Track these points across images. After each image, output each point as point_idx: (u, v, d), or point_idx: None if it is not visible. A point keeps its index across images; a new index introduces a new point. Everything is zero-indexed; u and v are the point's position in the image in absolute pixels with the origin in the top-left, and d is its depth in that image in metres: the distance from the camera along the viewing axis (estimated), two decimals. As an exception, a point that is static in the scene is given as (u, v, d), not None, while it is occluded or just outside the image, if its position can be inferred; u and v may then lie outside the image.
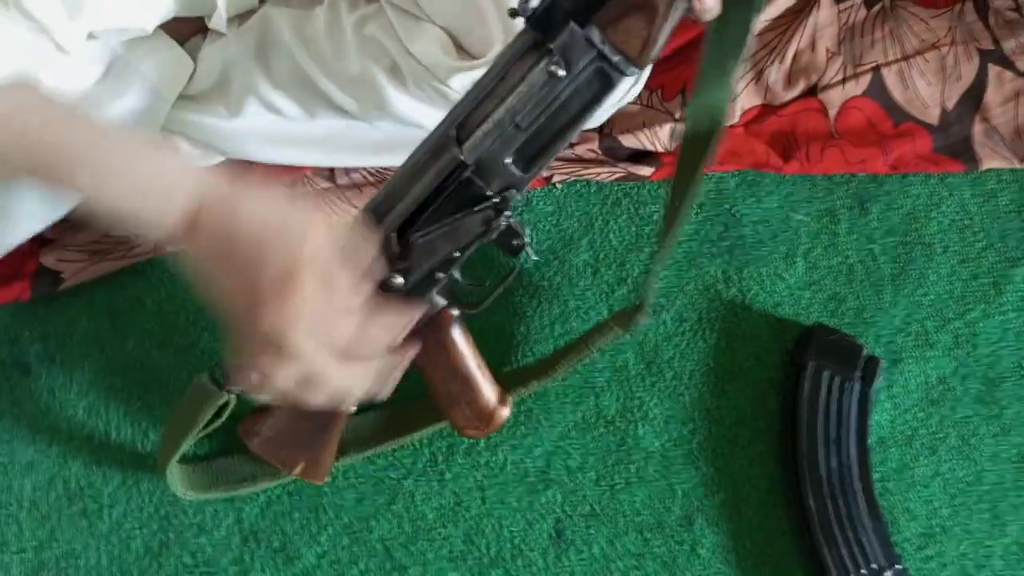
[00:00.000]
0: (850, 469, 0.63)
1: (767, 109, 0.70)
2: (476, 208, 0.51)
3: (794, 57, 0.69)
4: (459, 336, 0.59)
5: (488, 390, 0.60)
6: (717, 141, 0.55)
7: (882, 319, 0.67)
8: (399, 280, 0.53)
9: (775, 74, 0.69)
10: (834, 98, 0.69)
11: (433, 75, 0.60)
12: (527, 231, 0.54)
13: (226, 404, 0.59)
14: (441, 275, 0.54)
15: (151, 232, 0.45)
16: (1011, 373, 0.67)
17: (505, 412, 0.61)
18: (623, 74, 0.48)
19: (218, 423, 0.60)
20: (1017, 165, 0.69)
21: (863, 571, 0.62)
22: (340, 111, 0.64)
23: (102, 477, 0.65)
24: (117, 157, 0.45)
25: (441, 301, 0.57)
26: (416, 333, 0.56)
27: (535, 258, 0.58)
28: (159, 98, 0.61)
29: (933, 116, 0.69)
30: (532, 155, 0.50)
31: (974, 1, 0.71)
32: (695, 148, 0.56)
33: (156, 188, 0.44)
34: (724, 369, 0.66)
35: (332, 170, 0.69)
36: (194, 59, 0.63)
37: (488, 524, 0.65)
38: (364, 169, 0.69)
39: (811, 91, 0.69)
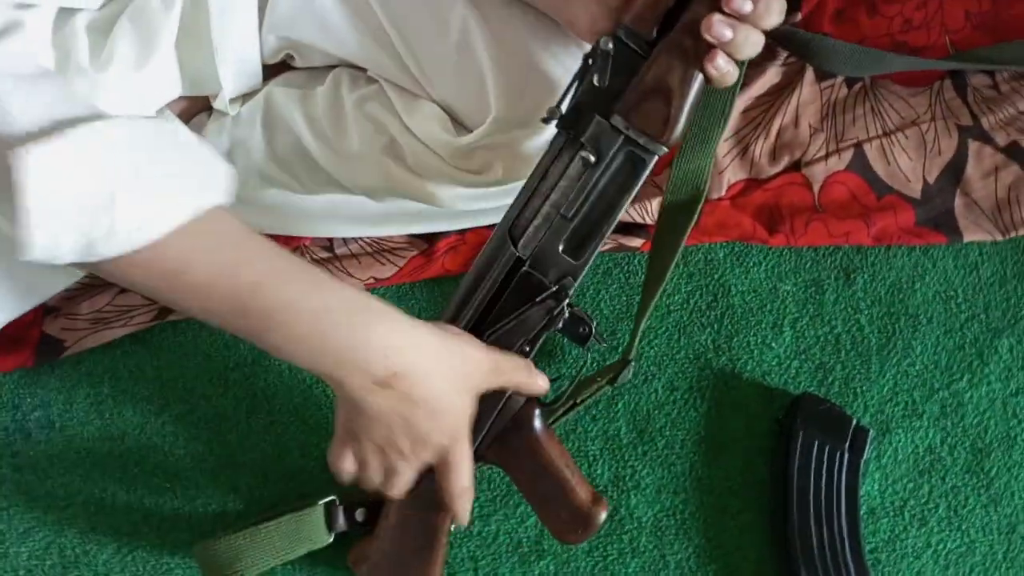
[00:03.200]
0: (841, 540, 0.63)
1: (752, 183, 0.72)
2: (538, 299, 0.55)
3: (778, 133, 0.72)
4: (544, 434, 0.58)
5: (581, 490, 0.58)
6: (699, 208, 0.58)
7: (870, 389, 0.68)
8: None
9: (760, 149, 0.72)
10: (817, 173, 0.71)
11: (430, 149, 0.63)
12: (594, 320, 0.57)
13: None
14: None
15: (347, 377, 0.47)
16: (999, 443, 0.67)
17: (602, 513, 0.57)
18: (652, 153, 0.52)
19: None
20: (998, 238, 0.71)
21: (856, 644, 0.62)
22: (338, 184, 0.66)
23: (97, 545, 0.66)
24: (339, 313, 0.46)
25: (520, 400, 0.58)
26: (500, 437, 0.56)
27: (604, 344, 0.59)
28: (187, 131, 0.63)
29: (915, 190, 0.71)
30: (580, 241, 0.55)
31: (952, 79, 0.74)
32: (678, 214, 0.59)
33: (372, 347, 0.47)
34: (714, 438, 0.67)
35: (331, 240, 0.70)
36: (200, 134, 0.65)
37: (480, 594, 0.65)
38: (363, 239, 0.70)
39: (795, 166, 0.72)
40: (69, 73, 0.56)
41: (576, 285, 0.56)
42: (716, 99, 0.57)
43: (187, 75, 0.63)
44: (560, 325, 0.57)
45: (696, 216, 0.58)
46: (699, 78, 0.50)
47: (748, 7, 0.47)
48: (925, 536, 0.66)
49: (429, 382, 0.49)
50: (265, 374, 0.68)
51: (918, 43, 0.74)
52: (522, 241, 0.55)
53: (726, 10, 0.47)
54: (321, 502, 0.62)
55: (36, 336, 0.68)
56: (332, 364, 0.46)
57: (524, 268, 0.55)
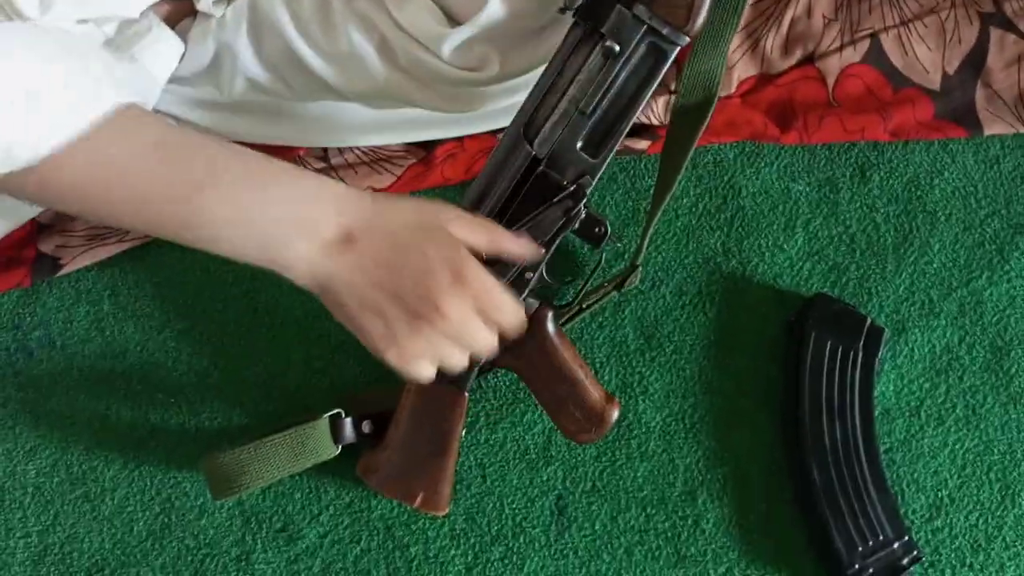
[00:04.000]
0: (855, 440, 0.62)
1: (764, 79, 0.69)
2: (555, 199, 0.54)
3: (790, 25, 0.68)
4: (557, 336, 0.58)
5: (594, 390, 0.58)
6: (711, 109, 0.55)
7: (885, 289, 0.66)
8: None
9: (771, 43, 0.68)
10: (832, 66, 0.68)
11: (423, 45, 0.60)
12: (608, 220, 0.56)
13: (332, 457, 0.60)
14: (531, 275, 0.56)
15: (294, 257, 0.46)
16: (1019, 341, 0.65)
17: (615, 411, 0.58)
18: (675, 44, 0.50)
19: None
20: (1021, 130, 0.67)
21: (870, 543, 0.61)
22: (331, 90, 0.64)
23: (104, 461, 0.66)
24: (257, 180, 0.45)
25: (534, 303, 0.57)
26: (514, 341, 0.55)
27: (619, 244, 0.58)
28: (150, 81, 0.61)
29: (934, 81, 0.68)
30: (600, 139, 0.53)
31: (975, -37, 0.70)
32: (689, 116, 0.56)
33: (302, 210, 0.45)
34: (724, 342, 0.66)
35: (326, 150, 0.68)
36: (184, 41, 0.63)
37: (489, 502, 0.64)
38: (359, 148, 0.68)
39: (808, 59, 0.68)
40: None
41: (594, 184, 0.54)
42: None
43: None
44: (576, 225, 0.55)
45: (708, 118, 0.56)
46: None
47: None
48: (942, 436, 0.64)
49: (384, 222, 0.47)
50: (266, 288, 0.67)
51: (939, -75, 0.70)
52: (538, 140, 0.53)
53: None
54: (326, 415, 0.61)
55: (31, 255, 0.67)
56: (281, 242, 0.45)
57: (540, 168, 0.54)
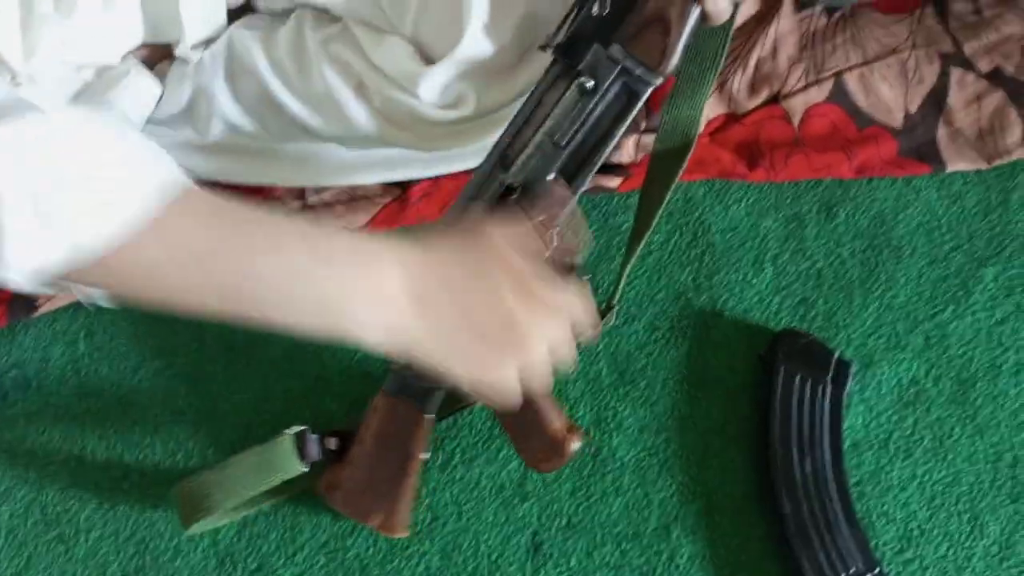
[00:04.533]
0: (825, 474, 0.63)
1: (731, 118, 0.70)
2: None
3: (756, 66, 0.70)
4: None
5: (558, 420, 0.59)
6: (689, 154, 0.58)
7: (852, 322, 0.67)
8: None
9: (738, 83, 0.70)
10: (797, 105, 0.70)
11: (399, 85, 0.61)
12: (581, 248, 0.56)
13: (297, 476, 0.59)
14: None
15: (366, 325, 0.43)
16: (984, 372, 0.67)
17: (576, 443, 0.59)
18: (648, 84, 0.52)
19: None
20: (983, 166, 0.69)
21: (842, 575, 0.62)
22: (308, 132, 0.65)
23: (78, 502, 0.66)
24: (322, 252, 0.42)
25: None
26: None
27: (586, 278, 0.58)
28: (127, 123, 0.62)
29: (897, 120, 0.70)
30: (572, 172, 0.54)
31: (934, 5, 0.72)
32: (667, 160, 0.58)
33: (367, 275, 0.43)
34: (696, 377, 0.66)
35: (303, 189, 0.69)
36: (162, 82, 0.64)
37: (465, 539, 0.65)
38: (335, 188, 0.69)
39: (774, 99, 0.70)
40: (34, 21, 0.55)
41: (564, 215, 0.55)
42: (707, 46, 0.56)
43: (149, 20, 0.61)
44: (547, 255, 0.55)
45: (685, 164, 0.58)
46: (696, 11, 0.51)
47: None
48: (911, 467, 0.65)
49: (442, 267, 0.45)
50: (241, 327, 0.67)
51: (898, -31, 0.72)
52: (512, 169, 0.54)
53: None
54: (290, 432, 0.60)
55: (7, 295, 0.67)
56: (351, 311, 0.43)
57: (515, 196, 0.54)
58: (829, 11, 0.72)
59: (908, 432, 0.66)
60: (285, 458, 0.59)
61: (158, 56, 0.65)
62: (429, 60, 0.62)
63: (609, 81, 0.52)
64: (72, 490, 0.66)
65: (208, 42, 0.65)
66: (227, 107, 0.63)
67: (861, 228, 0.69)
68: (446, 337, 0.45)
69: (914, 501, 0.65)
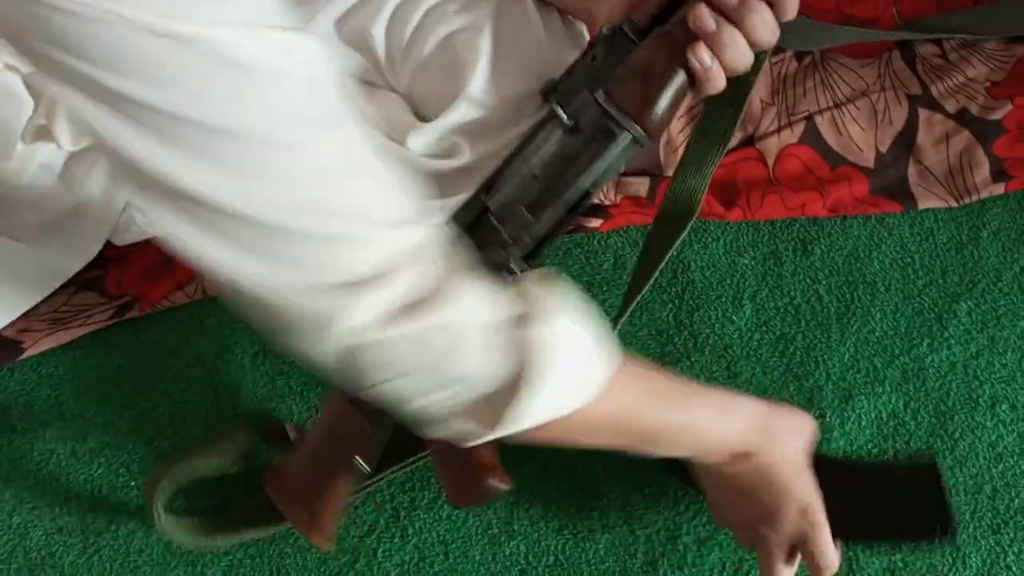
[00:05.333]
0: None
1: (708, 159, 0.72)
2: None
3: (731, 108, 0.72)
4: None
5: (488, 458, 0.58)
6: (689, 223, 0.60)
7: (831, 357, 0.69)
8: None
9: (714, 126, 0.72)
10: (771, 147, 0.72)
11: (387, 135, 0.63)
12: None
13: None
14: None
15: (711, 458, 0.55)
16: (961, 405, 0.68)
17: (501, 485, 0.58)
18: (623, 128, 0.53)
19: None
20: (952, 204, 0.71)
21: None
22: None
23: (63, 546, 0.65)
24: (715, 410, 0.54)
25: None
26: None
27: None
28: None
29: (868, 159, 0.72)
30: (544, 203, 0.56)
31: (901, 49, 0.75)
32: (668, 226, 0.61)
33: (734, 427, 0.54)
34: (679, 412, 0.67)
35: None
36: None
37: (452, 579, 0.65)
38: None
39: (749, 141, 0.72)
40: None
41: (531, 244, 0.56)
42: (715, 125, 0.58)
43: None
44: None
45: (685, 232, 0.60)
46: (681, 71, 0.52)
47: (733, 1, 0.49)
48: (892, 500, 0.66)
49: (775, 448, 0.55)
50: (227, 368, 0.68)
51: (865, 15, 0.75)
52: (493, 192, 0.55)
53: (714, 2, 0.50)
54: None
55: (-7, 338, 0.67)
56: (708, 451, 0.55)
57: (488, 215, 0.56)
58: (798, 56, 0.75)
59: (888, 465, 0.67)
60: (246, 434, 0.61)
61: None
62: (420, 115, 0.64)
63: (589, 122, 0.54)
64: (57, 535, 0.65)
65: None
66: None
67: (837, 264, 0.71)
68: (733, 495, 0.57)
69: (896, 533, 0.65)
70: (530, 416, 0.44)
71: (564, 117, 0.54)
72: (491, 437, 0.46)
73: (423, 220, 0.42)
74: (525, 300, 0.45)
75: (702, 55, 0.50)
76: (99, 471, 0.66)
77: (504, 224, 0.56)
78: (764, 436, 0.55)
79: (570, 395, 0.46)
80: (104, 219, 0.68)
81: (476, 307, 0.43)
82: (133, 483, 0.66)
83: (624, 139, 0.54)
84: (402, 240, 0.40)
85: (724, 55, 0.50)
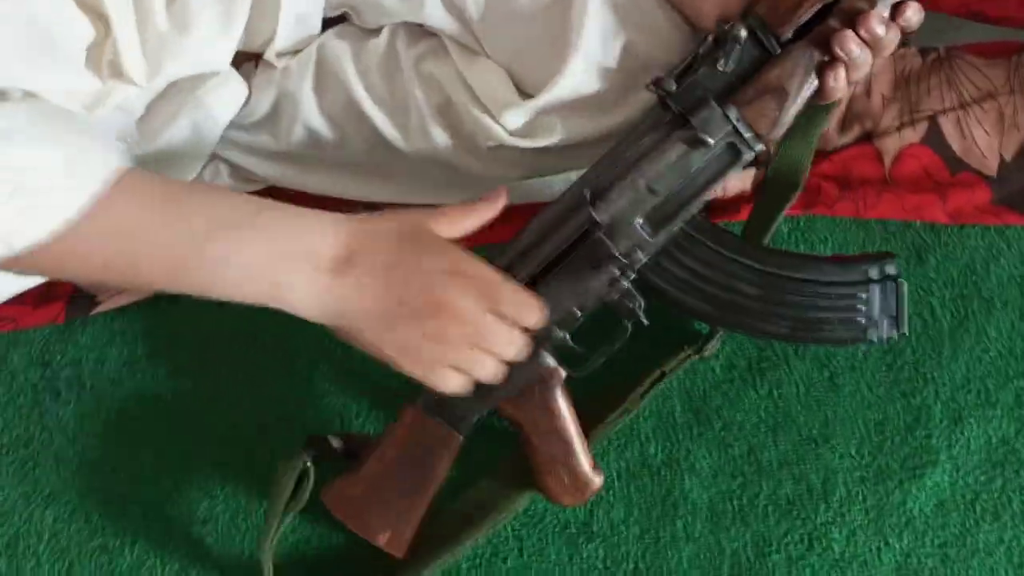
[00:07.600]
0: (910, 532, 0.60)
1: (819, 154, 0.68)
2: (603, 268, 0.54)
3: (849, 103, 0.68)
4: (564, 399, 0.57)
5: (585, 457, 0.58)
6: (796, 192, 0.60)
7: (941, 375, 0.64)
8: None
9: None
10: (889, 145, 0.68)
11: (485, 108, 0.60)
12: (639, 299, 0.56)
13: (305, 473, 0.57)
14: (560, 333, 0.55)
15: (300, 293, 0.47)
16: (1078, 436, 0.63)
17: (599, 480, 0.58)
18: (751, 149, 0.53)
19: (303, 497, 0.58)
20: (1079, 219, 0.67)
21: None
22: (388, 146, 0.63)
23: (124, 511, 0.63)
24: (259, 224, 0.46)
25: (551, 361, 0.56)
26: (525, 392, 0.56)
27: (646, 323, 0.57)
28: (212, 122, 0.60)
29: (991, 167, 0.68)
30: (660, 219, 0.54)
31: (1032, 52, 0.70)
32: (776, 194, 0.60)
33: (300, 244, 0.46)
34: (776, 420, 0.63)
35: (370, 203, 0.67)
36: (249, 86, 0.63)
37: (525, 577, 0.62)
38: (404, 203, 0.67)
39: (866, 137, 0.68)
40: (151, 42, 0.54)
41: (644, 261, 0.55)
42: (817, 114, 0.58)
43: (247, 27, 0.60)
44: (615, 297, 0.55)
45: (791, 203, 0.60)
46: (814, 87, 0.52)
47: (882, 31, 0.49)
48: (998, 532, 0.62)
49: (374, 240, 0.48)
50: (301, 333, 0.65)
51: (995, 13, 0.70)
52: (602, 204, 0.53)
53: (860, 31, 0.49)
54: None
55: (68, 290, 0.65)
56: (285, 279, 0.46)
57: (598, 234, 0.53)
58: (923, 52, 0.70)
59: (996, 494, 0.62)
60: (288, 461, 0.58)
61: (243, 57, 0.64)
62: (521, 89, 0.60)
63: (717, 140, 0.52)
64: (119, 499, 0.63)
65: (296, 51, 0.63)
66: (311, 114, 0.62)
67: (951, 277, 0.66)
68: (369, 310, 0.47)
69: (1001, 567, 0.61)
70: None
71: (702, 135, 0.52)
72: None
73: None
74: None
75: (842, 77, 0.50)
76: (165, 438, 0.64)
77: (615, 240, 0.54)
78: (358, 232, 0.48)
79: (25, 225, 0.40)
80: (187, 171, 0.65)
81: None
82: (202, 450, 0.64)
83: (748, 158, 0.53)
84: None
85: (855, 75, 0.51)
